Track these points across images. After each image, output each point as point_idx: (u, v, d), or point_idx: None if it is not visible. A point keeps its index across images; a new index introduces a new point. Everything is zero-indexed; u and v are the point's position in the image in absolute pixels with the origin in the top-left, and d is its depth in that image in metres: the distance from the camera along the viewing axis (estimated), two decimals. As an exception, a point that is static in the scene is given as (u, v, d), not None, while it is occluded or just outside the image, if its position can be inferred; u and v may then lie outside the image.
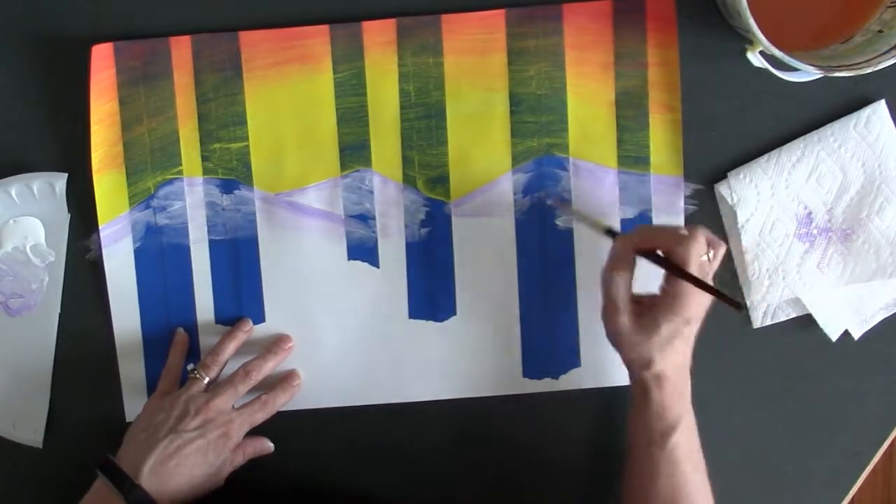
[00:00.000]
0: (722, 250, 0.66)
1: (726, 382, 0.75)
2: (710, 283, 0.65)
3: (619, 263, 0.66)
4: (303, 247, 0.74)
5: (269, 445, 0.74)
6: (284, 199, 0.73)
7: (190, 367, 0.72)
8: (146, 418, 0.69)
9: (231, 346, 0.73)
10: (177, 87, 0.72)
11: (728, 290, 0.68)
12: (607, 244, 0.74)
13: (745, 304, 0.70)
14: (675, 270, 0.64)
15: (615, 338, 0.66)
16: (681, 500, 0.64)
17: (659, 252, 0.66)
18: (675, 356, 0.64)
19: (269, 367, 0.73)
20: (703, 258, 0.64)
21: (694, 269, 0.63)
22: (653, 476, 0.64)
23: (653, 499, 0.64)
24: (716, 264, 0.66)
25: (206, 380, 0.71)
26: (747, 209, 0.73)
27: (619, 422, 0.76)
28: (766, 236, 0.73)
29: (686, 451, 0.65)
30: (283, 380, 0.74)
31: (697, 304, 0.64)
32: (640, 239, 0.66)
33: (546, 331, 0.74)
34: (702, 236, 0.64)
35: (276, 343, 0.74)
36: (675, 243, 0.64)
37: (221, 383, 0.71)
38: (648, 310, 0.65)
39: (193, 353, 0.74)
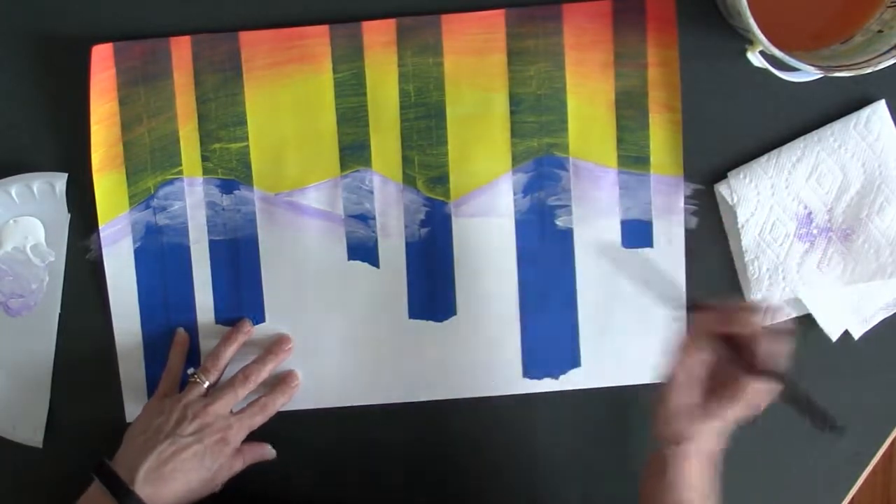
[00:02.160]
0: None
1: (726, 382, 0.75)
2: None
3: (696, 341, 0.61)
4: (303, 247, 0.74)
5: (270, 451, 0.74)
6: (284, 199, 0.73)
7: (190, 371, 0.72)
8: (145, 420, 0.69)
9: (230, 350, 0.73)
10: (177, 87, 0.72)
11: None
12: (608, 246, 0.74)
13: (839, 424, 0.60)
14: (756, 373, 0.59)
15: (661, 411, 0.62)
16: None
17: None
18: (710, 441, 0.61)
19: (269, 369, 0.73)
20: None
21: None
22: None
23: None
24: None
25: (206, 384, 0.71)
26: (747, 209, 0.73)
27: (619, 422, 0.76)
28: (766, 236, 0.73)
29: None
30: (281, 381, 0.74)
31: (760, 400, 0.60)
32: (717, 321, 0.61)
33: (546, 331, 0.74)
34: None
35: (275, 345, 0.74)
36: (761, 345, 0.59)
37: (220, 388, 0.71)
38: (708, 400, 0.61)
39: (193, 353, 0.74)
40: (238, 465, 0.71)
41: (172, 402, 0.69)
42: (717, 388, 0.61)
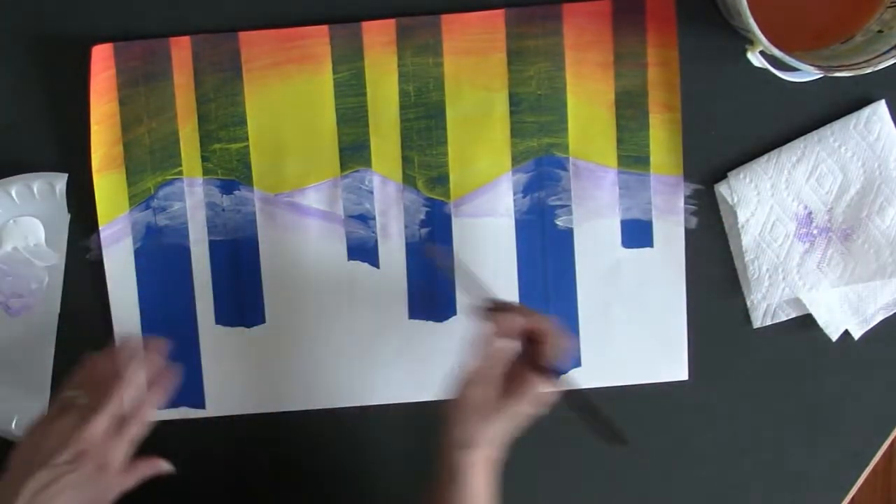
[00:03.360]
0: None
1: (726, 382, 0.75)
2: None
3: (492, 343, 0.63)
4: (303, 247, 0.74)
5: (165, 466, 0.67)
6: (284, 199, 0.73)
7: (70, 393, 0.65)
8: (28, 443, 0.63)
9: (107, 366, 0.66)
10: (177, 87, 0.72)
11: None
12: (608, 246, 0.74)
13: (625, 437, 0.62)
14: (545, 372, 0.62)
15: (456, 407, 0.63)
16: None
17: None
18: (495, 449, 0.63)
19: (136, 378, 0.65)
20: None
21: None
22: None
23: None
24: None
25: (86, 404, 0.63)
26: (747, 209, 0.73)
27: (620, 421, 0.76)
28: (766, 236, 0.73)
29: None
30: (152, 382, 0.67)
31: (536, 405, 0.63)
32: (527, 323, 0.63)
33: (546, 331, 0.74)
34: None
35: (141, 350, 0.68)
36: (545, 327, 0.62)
37: (87, 408, 0.63)
38: (502, 399, 0.63)
39: (194, 353, 0.74)
40: (129, 482, 0.64)
41: (45, 426, 0.63)
42: (508, 386, 0.63)
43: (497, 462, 0.64)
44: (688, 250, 0.74)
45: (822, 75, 0.67)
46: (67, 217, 0.74)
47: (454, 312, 0.74)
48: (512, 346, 0.64)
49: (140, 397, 0.66)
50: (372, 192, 0.73)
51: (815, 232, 0.73)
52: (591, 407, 0.63)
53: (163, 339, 0.69)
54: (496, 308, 0.65)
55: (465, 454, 0.62)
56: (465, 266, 0.71)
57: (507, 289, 0.74)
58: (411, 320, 0.75)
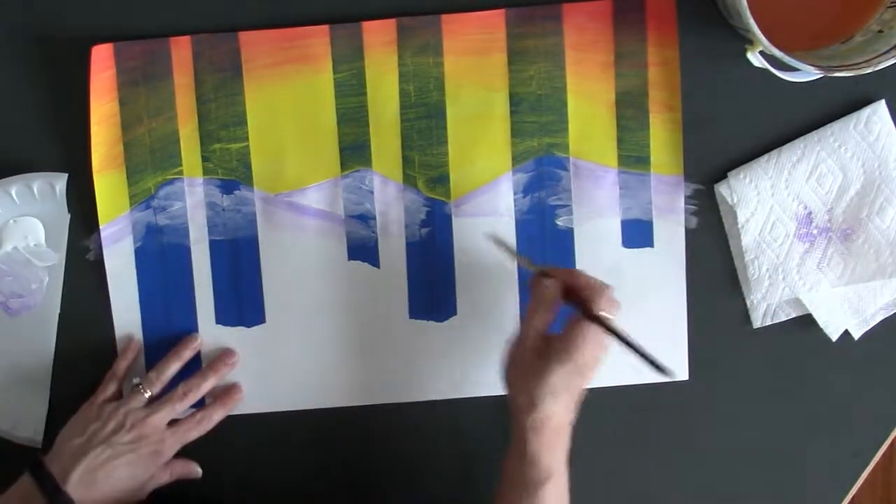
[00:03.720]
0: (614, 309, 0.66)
1: (726, 382, 0.75)
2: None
3: (545, 303, 0.65)
4: (303, 247, 0.74)
5: (197, 470, 0.75)
6: (284, 199, 0.73)
7: (136, 380, 0.72)
8: (82, 423, 0.70)
9: (176, 364, 0.73)
10: (177, 87, 0.72)
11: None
12: (608, 246, 0.74)
13: (670, 369, 0.63)
14: (596, 320, 0.63)
15: (511, 373, 0.66)
16: None
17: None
18: (558, 407, 0.63)
19: (209, 385, 0.73)
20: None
21: (614, 317, 0.63)
22: None
23: None
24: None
25: (148, 394, 0.71)
26: (747, 209, 0.73)
27: (620, 422, 0.76)
28: (766, 236, 0.73)
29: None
30: (221, 395, 0.74)
31: (591, 351, 0.63)
32: (565, 281, 0.66)
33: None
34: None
35: (217, 359, 0.74)
36: (596, 293, 0.64)
37: (160, 401, 0.71)
38: (546, 353, 0.64)
39: (195, 354, 0.74)
40: (165, 478, 0.72)
41: (112, 408, 0.70)
42: (554, 345, 0.64)
43: (567, 424, 0.64)
44: (687, 250, 0.74)
45: (822, 75, 0.67)
46: (67, 217, 0.74)
47: (454, 312, 0.74)
48: (554, 310, 0.65)
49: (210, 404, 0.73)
50: (372, 192, 0.73)
51: (815, 232, 0.73)
52: (635, 347, 0.63)
53: (234, 351, 0.74)
54: (542, 274, 0.66)
55: (529, 416, 0.63)
56: (506, 242, 0.72)
57: (507, 289, 0.74)
58: (411, 320, 0.74)
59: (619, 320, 0.64)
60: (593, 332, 0.63)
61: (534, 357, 0.64)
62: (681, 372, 0.75)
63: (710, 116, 0.73)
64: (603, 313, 0.63)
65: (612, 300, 0.64)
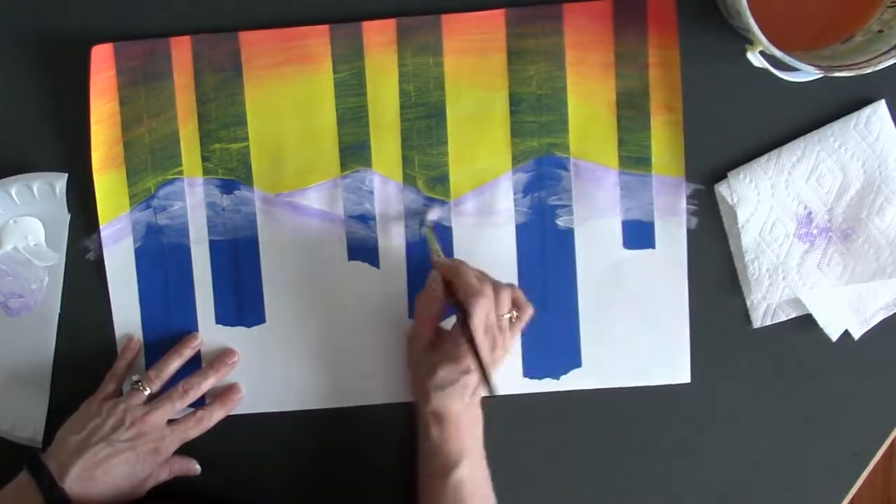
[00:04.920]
0: (528, 313, 0.67)
1: (726, 382, 0.75)
2: (511, 340, 0.66)
3: (428, 298, 0.67)
4: (303, 247, 0.74)
5: (195, 468, 0.75)
6: (284, 199, 0.73)
7: (135, 378, 0.72)
8: (81, 420, 0.70)
9: (176, 362, 0.73)
10: (177, 87, 0.72)
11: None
12: (609, 247, 0.74)
13: (495, 387, 0.63)
14: (462, 321, 0.64)
15: (408, 365, 0.68)
16: None
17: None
18: (448, 400, 0.64)
19: (209, 384, 0.73)
20: (506, 316, 0.65)
21: (478, 326, 0.63)
22: None
23: None
24: (519, 326, 0.67)
25: (148, 392, 0.71)
26: (747, 209, 0.73)
27: (621, 422, 0.76)
28: (766, 236, 0.73)
29: (471, 489, 0.65)
30: (221, 394, 0.74)
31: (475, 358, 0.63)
32: (447, 274, 0.66)
33: (546, 331, 0.74)
34: (499, 294, 0.64)
35: (218, 359, 0.74)
36: (468, 295, 0.64)
37: (160, 399, 0.71)
38: (437, 347, 0.65)
39: (195, 354, 0.74)
40: (164, 475, 0.72)
41: (112, 406, 0.70)
42: (445, 342, 0.66)
43: (467, 411, 0.65)
44: (687, 250, 0.74)
45: (822, 75, 0.67)
46: (67, 217, 0.74)
47: (454, 312, 0.74)
48: (437, 298, 0.67)
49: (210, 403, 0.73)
50: (372, 192, 0.73)
51: (815, 232, 0.73)
52: (481, 360, 0.63)
53: (235, 351, 0.74)
54: (440, 265, 0.68)
55: (425, 406, 0.65)
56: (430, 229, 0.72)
57: (508, 289, 0.74)
58: (411, 320, 0.74)
59: (530, 317, 0.66)
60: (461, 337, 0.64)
61: (425, 350, 0.66)
62: (683, 374, 0.75)
63: (710, 116, 0.73)
64: (475, 320, 0.62)
65: (482, 301, 0.63)
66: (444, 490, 0.64)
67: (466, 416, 0.65)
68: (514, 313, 0.66)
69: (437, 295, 0.67)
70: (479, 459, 0.66)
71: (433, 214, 0.72)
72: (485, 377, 0.62)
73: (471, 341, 0.63)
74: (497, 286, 0.65)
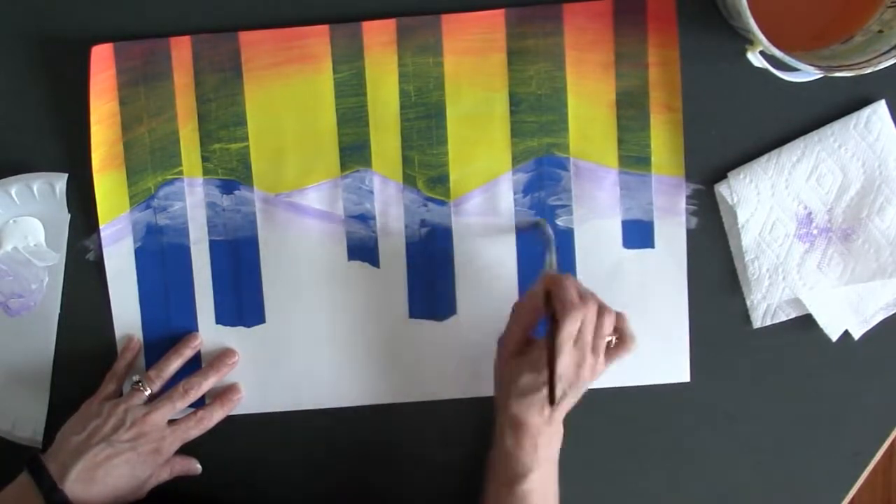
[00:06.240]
0: (629, 344, 0.65)
1: (726, 382, 0.75)
2: (602, 366, 0.64)
3: (527, 306, 0.66)
4: (303, 247, 0.74)
5: (196, 467, 0.75)
6: (284, 199, 0.73)
7: (135, 378, 0.72)
8: (81, 421, 0.69)
9: (176, 362, 0.73)
10: (177, 87, 0.72)
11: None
12: (609, 246, 0.74)
13: (556, 398, 0.62)
14: (551, 331, 0.62)
15: (496, 369, 0.68)
16: None
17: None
18: (526, 409, 0.63)
19: (209, 384, 0.73)
20: (605, 339, 0.64)
21: (566, 339, 0.61)
22: None
23: None
24: (617, 354, 0.65)
25: (148, 392, 0.71)
26: (747, 209, 0.73)
27: (620, 421, 0.76)
28: (766, 236, 0.73)
29: (537, 503, 0.64)
30: (221, 394, 0.74)
31: (567, 366, 0.62)
32: (551, 285, 0.64)
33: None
34: (602, 316, 0.63)
35: (218, 359, 0.74)
36: (563, 306, 0.62)
37: (160, 399, 0.71)
38: (524, 355, 0.65)
39: (195, 354, 0.74)
40: (165, 475, 0.72)
41: (112, 406, 0.70)
42: (531, 350, 0.65)
43: (546, 426, 0.64)
44: (687, 250, 0.74)
45: (822, 75, 0.67)
46: (67, 217, 0.74)
47: (454, 312, 0.74)
48: (536, 308, 0.65)
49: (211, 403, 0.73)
50: (372, 192, 0.73)
51: (815, 232, 0.73)
52: (552, 383, 0.62)
53: (235, 351, 0.74)
54: (548, 276, 0.66)
55: (503, 414, 0.65)
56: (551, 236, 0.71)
57: (507, 289, 0.74)
58: (411, 320, 0.74)
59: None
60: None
61: (513, 356, 0.65)
62: (683, 374, 0.75)
63: (710, 116, 0.73)
64: (564, 332, 0.61)
65: (575, 314, 0.62)
66: (510, 499, 0.64)
67: (545, 430, 0.64)
68: (614, 339, 0.65)
69: (536, 304, 0.65)
70: (550, 474, 0.66)
71: (550, 229, 0.71)
72: (551, 387, 0.61)
73: (551, 350, 0.61)
74: (603, 308, 0.64)
